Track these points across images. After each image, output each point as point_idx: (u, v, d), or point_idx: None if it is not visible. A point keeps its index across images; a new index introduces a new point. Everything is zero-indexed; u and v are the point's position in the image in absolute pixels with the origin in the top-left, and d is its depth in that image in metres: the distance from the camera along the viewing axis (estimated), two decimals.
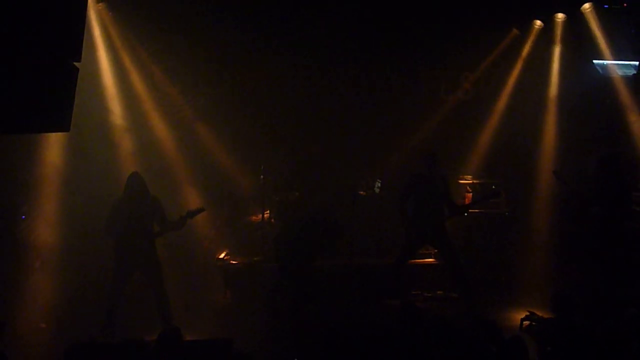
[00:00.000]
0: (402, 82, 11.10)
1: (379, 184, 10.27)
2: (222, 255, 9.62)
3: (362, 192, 9.96)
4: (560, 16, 10.59)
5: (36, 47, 4.54)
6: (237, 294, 9.09)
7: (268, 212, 9.95)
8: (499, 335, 5.49)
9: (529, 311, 7.34)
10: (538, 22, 10.85)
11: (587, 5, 10.20)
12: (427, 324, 5.53)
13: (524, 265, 9.58)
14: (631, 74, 10.52)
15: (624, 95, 10.46)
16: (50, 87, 4.70)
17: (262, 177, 9.80)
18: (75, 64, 4.91)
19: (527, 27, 10.94)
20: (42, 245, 8.44)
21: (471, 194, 9.73)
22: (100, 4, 9.65)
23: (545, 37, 10.90)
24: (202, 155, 10.60)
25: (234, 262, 9.44)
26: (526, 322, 7.21)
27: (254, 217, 10.11)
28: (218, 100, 10.57)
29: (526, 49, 11.02)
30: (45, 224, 8.56)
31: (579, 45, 10.62)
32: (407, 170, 9.21)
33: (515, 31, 10.99)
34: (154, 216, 7.42)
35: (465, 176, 10.18)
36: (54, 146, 8.88)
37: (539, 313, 7.19)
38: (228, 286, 9.20)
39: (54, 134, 8.47)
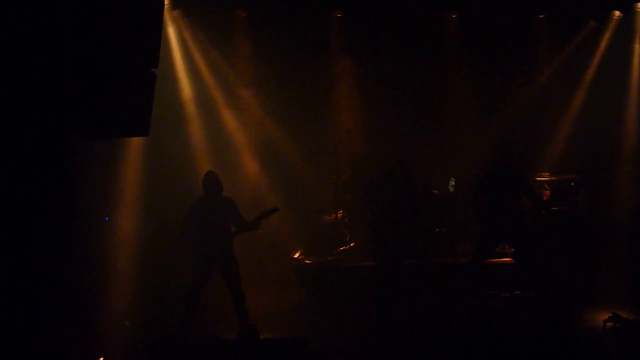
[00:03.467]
0: (474, 78, 10.96)
1: (453, 183, 10.14)
2: (296, 255, 9.72)
3: (435, 191, 9.84)
4: None
5: (115, 56, 4.69)
6: (311, 294, 9.15)
7: (341, 211, 9.96)
8: (577, 338, 5.32)
9: (612, 312, 7.08)
10: (617, 13, 10.48)
11: None
12: (500, 326, 5.43)
13: (607, 264, 9.26)
14: None
15: None
16: (130, 94, 4.85)
17: (334, 176, 9.83)
18: (153, 70, 5.05)
19: (605, 17, 10.59)
20: (124, 245, 8.71)
21: (549, 191, 9.47)
22: (175, 10, 9.93)
23: (625, 28, 10.51)
24: (276, 156, 10.75)
25: (308, 261, 9.51)
26: (609, 324, 6.96)
27: (327, 217, 10.14)
28: (291, 101, 10.70)
29: (604, 41, 10.66)
30: (127, 225, 8.85)
31: None
32: (481, 168, 9.09)
33: (592, 22, 10.66)
34: (230, 216, 7.54)
35: (543, 173, 9.92)
36: (134, 149, 9.17)
37: (624, 315, 6.93)
38: (303, 285, 9.27)
39: (134, 138, 8.74)
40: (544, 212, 8.85)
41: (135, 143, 9.15)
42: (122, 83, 4.78)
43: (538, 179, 9.75)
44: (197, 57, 10.45)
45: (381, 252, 8.50)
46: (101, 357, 6.03)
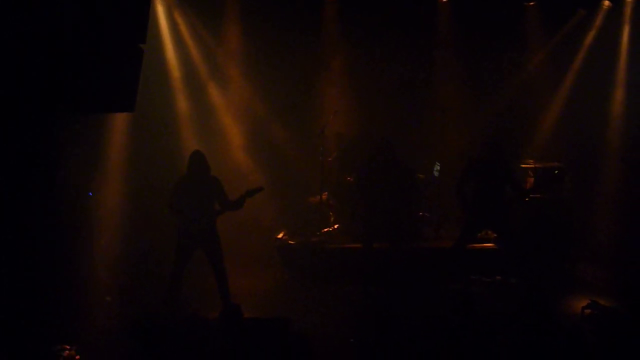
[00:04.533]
0: (464, 63, 10.96)
1: (438, 167, 10.16)
2: (280, 235, 9.73)
3: (420, 175, 9.87)
4: None
5: (102, 30, 4.64)
6: (294, 274, 9.18)
7: (326, 193, 9.98)
8: (555, 323, 5.39)
9: (591, 299, 7.16)
10: (606, 2, 10.51)
11: None
12: (481, 311, 5.48)
13: (587, 252, 9.37)
14: None
15: None
16: (116, 69, 4.81)
17: (320, 158, 9.82)
18: (140, 45, 5.01)
19: (594, 7, 10.62)
20: (108, 221, 8.69)
21: (533, 178, 9.53)
22: None
23: (614, 18, 10.56)
24: (262, 136, 10.75)
25: (291, 242, 9.53)
26: (588, 311, 7.05)
27: (312, 198, 10.16)
28: (279, 82, 10.66)
29: (593, 30, 10.70)
30: (111, 201, 8.81)
31: None
32: (467, 154, 9.13)
33: (581, 11, 10.68)
34: (215, 195, 7.52)
35: (528, 160, 9.97)
36: (120, 125, 9.12)
37: (602, 302, 7.02)
38: (286, 266, 9.29)
39: (120, 114, 8.68)
40: (527, 199, 8.91)
41: (121, 118, 9.09)
42: (108, 58, 4.73)
43: (523, 165, 9.81)
44: (185, 33, 10.37)
45: (370, 234, 8.52)
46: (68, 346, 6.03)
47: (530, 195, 8.80)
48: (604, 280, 8.69)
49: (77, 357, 6.01)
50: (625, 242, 9.28)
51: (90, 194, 8.59)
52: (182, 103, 10.35)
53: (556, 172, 9.47)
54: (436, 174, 10.19)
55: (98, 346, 6.53)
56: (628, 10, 10.44)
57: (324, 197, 9.86)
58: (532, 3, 10.65)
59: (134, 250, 8.80)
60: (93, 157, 8.65)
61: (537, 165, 9.72)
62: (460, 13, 10.61)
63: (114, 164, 9.09)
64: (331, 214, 10.01)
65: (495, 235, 8.99)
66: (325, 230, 9.76)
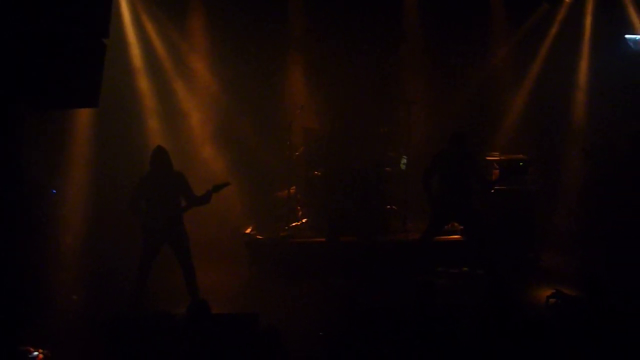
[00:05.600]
0: (430, 56, 11.03)
1: (405, 161, 10.22)
2: (248, 230, 9.70)
3: (387, 169, 9.92)
4: None
5: (64, 25, 4.58)
6: (262, 269, 9.16)
7: (294, 187, 9.98)
8: (519, 313, 5.47)
9: (555, 289, 7.27)
10: None
11: None
12: (444, 304, 5.55)
13: (552, 242, 9.52)
14: None
15: None
16: (79, 64, 4.76)
17: (288, 152, 9.81)
18: (103, 40, 4.95)
19: (557, 1, 10.77)
20: (72, 219, 8.57)
21: (498, 170, 9.64)
22: None
23: (576, 12, 10.72)
24: (229, 130, 10.68)
25: (260, 237, 9.51)
26: (552, 300, 7.15)
27: (280, 193, 10.15)
28: (246, 76, 10.61)
29: (556, 24, 10.86)
30: (76, 198, 8.70)
31: (611, 19, 10.44)
32: (434, 147, 9.20)
33: (545, 5, 10.83)
34: (180, 190, 7.47)
35: (493, 153, 10.08)
36: (83, 121, 9.00)
37: (567, 291, 7.14)
38: (254, 261, 9.27)
39: (83, 110, 8.56)
40: (492, 191, 9.02)
41: (85, 114, 8.97)
42: (71, 53, 4.67)
43: (488, 158, 9.91)
44: (150, 27, 10.26)
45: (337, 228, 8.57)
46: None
47: (496, 187, 8.90)
48: (568, 270, 8.83)
49: None
50: (589, 232, 9.46)
51: (54, 191, 8.48)
52: (147, 98, 10.25)
53: (521, 164, 9.58)
54: (403, 167, 10.23)
55: (65, 345, 6.46)
56: (590, 4, 10.62)
57: (291, 191, 9.85)
58: None
59: (99, 247, 8.70)
60: (56, 153, 8.53)
61: (502, 158, 9.82)
62: (426, 6, 10.69)
63: (78, 160, 8.98)
64: (299, 208, 10.01)
65: (461, 227, 9.07)
66: (294, 224, 9.76)
